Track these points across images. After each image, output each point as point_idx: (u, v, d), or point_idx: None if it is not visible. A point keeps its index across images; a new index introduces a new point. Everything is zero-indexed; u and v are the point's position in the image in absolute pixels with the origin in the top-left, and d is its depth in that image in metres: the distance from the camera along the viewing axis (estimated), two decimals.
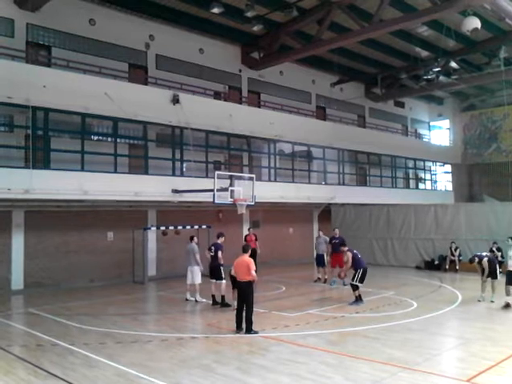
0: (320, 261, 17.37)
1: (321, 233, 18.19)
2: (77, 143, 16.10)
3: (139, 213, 19.12)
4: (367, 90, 31.03)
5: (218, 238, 13.67)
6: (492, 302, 12.79)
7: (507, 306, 12.12)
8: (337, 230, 17.41)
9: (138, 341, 9.66)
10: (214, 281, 13.30)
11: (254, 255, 17.48)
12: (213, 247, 13.51)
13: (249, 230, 19.96)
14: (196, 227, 19.03)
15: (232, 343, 9.49)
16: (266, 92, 24.84)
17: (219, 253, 13.25)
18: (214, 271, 13.29)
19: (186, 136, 18.53)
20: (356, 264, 13.32)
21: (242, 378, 7.38)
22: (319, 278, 17.51)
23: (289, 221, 24.81)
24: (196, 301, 13.80)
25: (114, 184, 16.20)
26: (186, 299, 14.05)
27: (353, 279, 13.27)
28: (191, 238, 14.28)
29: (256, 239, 18.93)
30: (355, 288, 13.17)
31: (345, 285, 15.57)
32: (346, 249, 13.82)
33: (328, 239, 17.40)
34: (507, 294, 12.21)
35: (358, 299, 13.12)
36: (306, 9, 20.67)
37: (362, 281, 13.17)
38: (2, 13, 16.44)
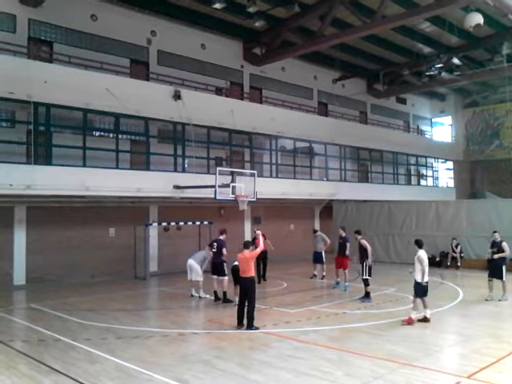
0: (318, 258, 17.31)
1: (317, 232, 17.87)
2: (78, 139, 16.11)
3: (141, 209, 19.14)
4: (369, 87, 30.98)
5: (222, 234, 13.64)
6: (499, 300, 12.68)
7: (424, 320, 10.51)
8: (341, 231, 15.83)
9: (139, 336, 9.69)
10: (215, 277, 13.29)
11: (264, 257, 16.88)
12: (215, 243, 13.48)
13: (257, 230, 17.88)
14: (198, 223, 19.07)
15: (233, 339, 9.51)
16: (268, 88, 24.81)
17: (223, 250, 13.22)
18: (216, 267, 13.26)
19: (188, 132, 18.52)
20: (366, 257, 13.30)
21: (243, 374, 7.40)
22: (315, 275, 17.45)
23: (290, 217, 24.80)
24: (200, 297, 13.82)
25: (115, 180, 16.21)
26: (192, 295, 14.06)
27: (362, 274, 13.31)
28: (211, 246, 13.73)
29: (265, 239, 16.64)
30: (367, 283, 13.18)
31: (344, 290, 15.17)
32: (359, 237, 13.60)
33: (325, 236, 17.41)
34: (425, 306, 10.61)
35: (368, 296, 13.12)
36: (308, 4, 20.62)
37: (369, 274, 13.17)
38: (3, 8, 16.42)
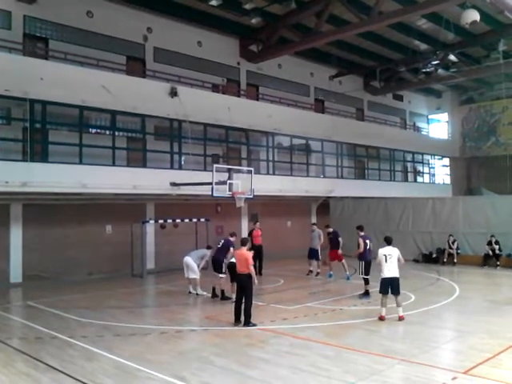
0: (313, 254, 17.31)
1: (314, 227, 17.94)
2: (75, 136, 16.06)
3: (138, 206, 19.10)
4: (366, 83, 30.97)
5: (232, 236, 13.65)
6: None
7: (380, 318, 10.39)
8: (327, 229, 17.15)
9: (136, 333, 9.68)
10: (216, 274, 13.23)
11: (260, 252, 17.39)
12: (222, 240, 13.49)
13: (255, 224, 18.74)
14: (194, 220, 19.05)
15: (231, 336, 9.52)
16: (265, 85, 24.77)
17: (231, 249, 13.05)
18: (215, 264, 13.23)
19: (185, 129, 18.49)
20: (361, 255, 13.31)
21: (240, 371, 7.41)
22: (311, 271, 17.48)
23: (287, 214, 24.81)
24: (197, 294, 13.81)
25: (112, 177, 16.18)
26: (189, 292, 14.05)
27: (360, 272, 13.41)
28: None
29: (260, 235, 18.19)
30: (366, 281, 13.19)
31: (348, 279, 15.79)
32: (361, 233, 13.57)
33: (321, 235, 17.48)
34: (382, 305, 10.49)
35: (367, 294, 13.14)
36: (305, 1, 20.57)
37: (366, 273, 13.18)
38: None
